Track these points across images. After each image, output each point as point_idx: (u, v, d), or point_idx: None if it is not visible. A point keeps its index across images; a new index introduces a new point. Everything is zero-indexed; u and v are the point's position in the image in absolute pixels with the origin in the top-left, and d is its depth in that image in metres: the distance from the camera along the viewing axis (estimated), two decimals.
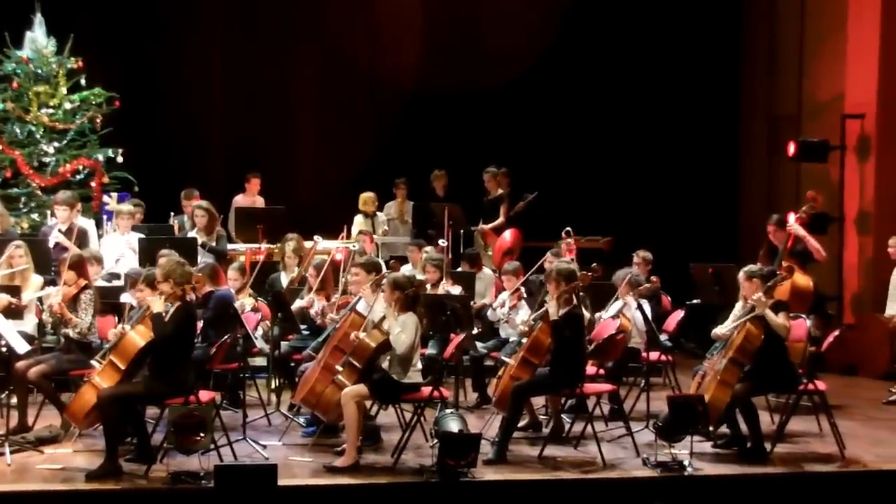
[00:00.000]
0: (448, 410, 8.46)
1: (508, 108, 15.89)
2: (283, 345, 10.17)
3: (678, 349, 11.13)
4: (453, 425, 8.10)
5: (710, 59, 15.99)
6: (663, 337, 10.42)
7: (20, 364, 8.82)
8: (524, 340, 9.11)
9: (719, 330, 8.91)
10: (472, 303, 10.60)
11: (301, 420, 9.40)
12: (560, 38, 16.02)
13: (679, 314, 10.89)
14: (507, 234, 13.84)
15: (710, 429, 8.53)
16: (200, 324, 9.04)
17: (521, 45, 15.77)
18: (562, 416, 9.26)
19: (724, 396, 8.51)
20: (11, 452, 8.17)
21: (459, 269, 11.67)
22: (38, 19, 13.78)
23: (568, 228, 12.12)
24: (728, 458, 8.64)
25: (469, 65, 15.90)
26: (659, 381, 10.86)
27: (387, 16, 16.41)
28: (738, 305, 9.01)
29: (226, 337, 8.77)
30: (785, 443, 9.02)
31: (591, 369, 9.19)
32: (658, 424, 8.35)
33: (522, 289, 10.59)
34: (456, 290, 10.54)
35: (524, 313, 10.11)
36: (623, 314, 9.85)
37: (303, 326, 10.41)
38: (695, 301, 11.11)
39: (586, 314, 9.28)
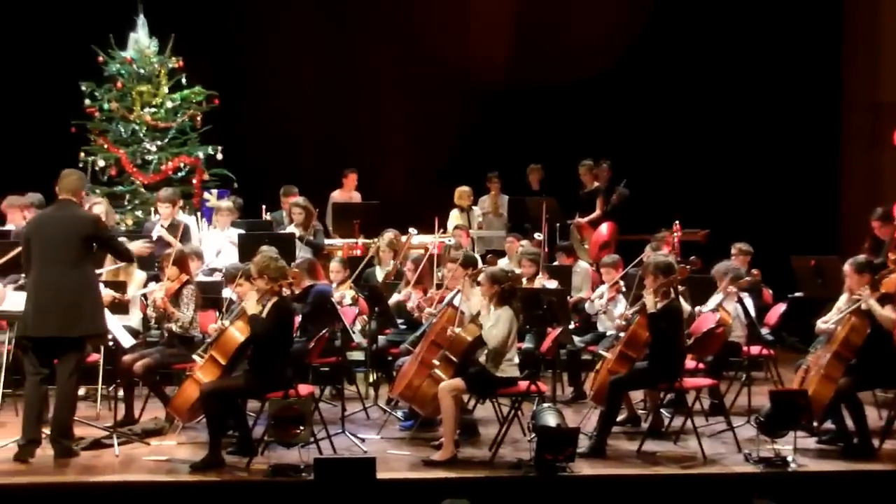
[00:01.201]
0: (545, 405, 8.43)
1: (604, 100, 15.77)
2: (381, 339, 10.24)
3: (780, 343, 10.96)
4: (551, 419, 8.07)
5: (809, 46, 15.66)
6: (765, 331, 10.28)
7: (126, 358, 9.01)
8: (622, 334, 9.05)
9: (823, 323, 8.75)
10: (568, 297, 10.56)
11: (399, 414, 9.44)
12: (654, 27, 15.85)
13: (781, 307, 10.73)
14: (604, 228, 13.75)
15: (814, 424, 8.38)
16: (299, 318, 9.13)
17: (613, 34, 15.63)
18: (661, 410, 9.17)
19: (827, 391, 8.36)
20: (119, 444, 8.34)
21: (555, 262, 11.64)
22: (141, 20, 14.06)
23: (675, 222, 11.99)
24: (833, 455, 8.47)
25: (560, 56, 15.78)
26: (760, 376, 10.69)
27: (476, 10, 16.40)
28: (843, 298, 8.81)
29: (324, 331, 8.84)
30: (893, 439, 8.81)
31: (690, 363, 9.08)
32: (760, 419, 8.23)
33: (621, 282, 10.51)
34: (552, 284, 10.50)
35: (622, 307, 10.04)
36: (723, 308, 9.72)
37: (399, 321, 10.46)
38: (797, 294, 10.92)
39: (685, 307, 9.18)
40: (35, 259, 8.07)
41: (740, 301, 9.54)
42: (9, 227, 10.87)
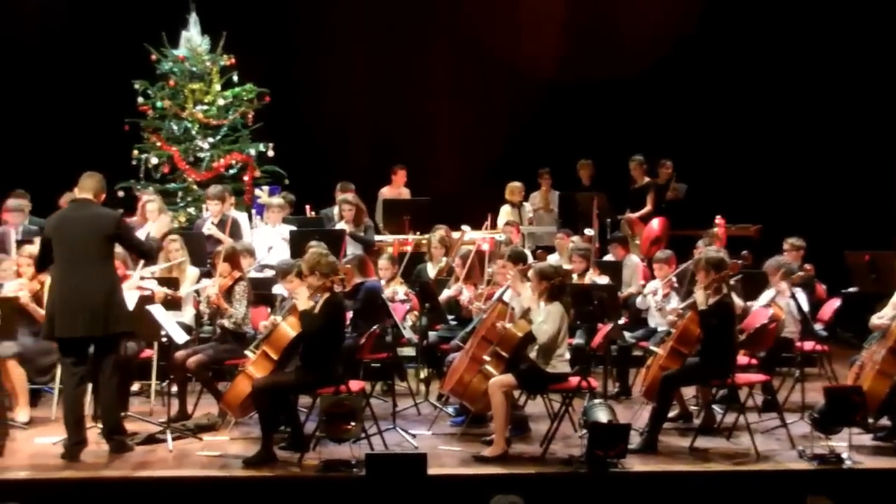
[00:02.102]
0: (596, 400, 8.41)
1: (655, 95, 15.68)
2: (431, 335, 10.24)
3: (834, 339, 10.87)
4: (602, 415, 8.05)
5: (864, 36, 15.46)
6: (818, 326, 10.19)
7: (179, 354, 9.08)
8: (673, 330, 9.00)
9: (877, 319, 8.65)
10: (618, 292, 10.51)
11: (450, 410, 9.45)
12: (705, 20, 15.72)
13: (835, 303, 10.63)
14: (655, 223, 13.68)
15: (869, 420, 8.29)
16: (350, 314, 9.17)
17: (664, 28, 15.53)
18: (713, 406, 9.12)
19: (882, 387, 8.28)
20: (172, 439, 8.42)
21: (608, 256, 11.61)
22: (193, 18, 14.18)
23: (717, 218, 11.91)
24: (888, 451, 8.39)
25: (610, 52, 15.71)
26: (814, 372, 10.59)
27: (526, 5, 16.36)
28: None
29: (374, 327, 8.88)
30: None
31: (742, 359, 9.02)
32: (814, 416, 8.15)
33: (674, 278, 10.45)
34: (603, 280, 10.47)
35: (674, 302, 9.98)
36: (776, 303, 9.63)
37: (450, 317, 10.46)
38: (851, 289, 10.81)
39: (738, 303, 9.11)
40: (57, 259, 8.09)
41: (793, 296, 9.45)
42: None
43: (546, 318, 8.23)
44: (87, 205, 8.18)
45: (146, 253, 8.83)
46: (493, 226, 12.92)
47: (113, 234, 8.15)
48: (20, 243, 10.47)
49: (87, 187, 8.20)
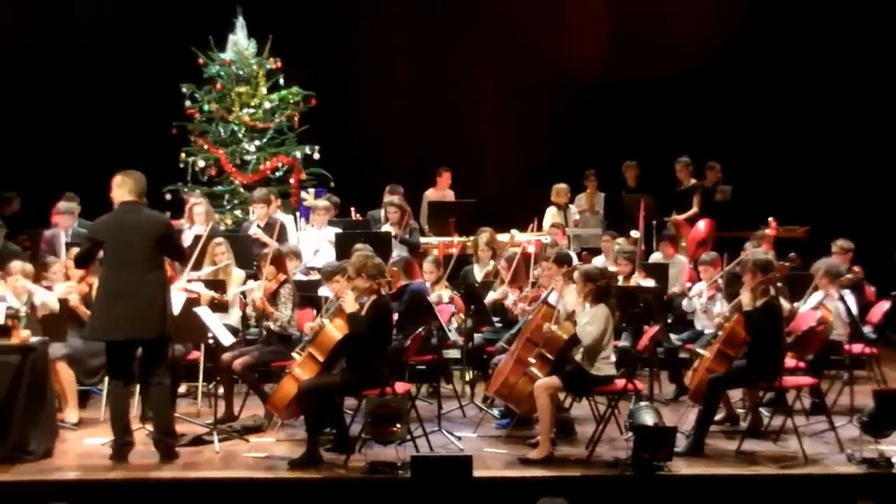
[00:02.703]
0: (642, 403, 8.38)
1: (701, 95, 15.60)
2: (477, 337, 10.24)
3: (883, 341, 10.76)
4: (648, 418, 8.02)
5: None
6: (867, 329, 10.10)
7: (226, 356, 9.13)
8: (719, 332, 8.95)
9: None
10: (664, 294, 10.47)
11: (495, 412, 9.45)
12: (752, 19, 15.63)
13: (884, 305, 10.52)
14: (701, 225, 13.60)
15: None
16: (395, 316, 9.18)
17: (710, 27, 15.44)
18: (760, 409, 9.06)
19: None
20: (219, 441, 8.47)
21: (656, 255, 11.56)
22: (240, 22, 14.28)
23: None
24: None
25: (656, 51, 15.66)
26: (863, 375, 10.47)
27: (571, 6, 16.33)
28: None
29: (420, 329, 8.88)
30: None
31: (790, 362, 8.94)
32: (863, 419, 8.08)
33: (720, 280, 10.39)
34: (649, 282, 10.42)
35: (720, 305, 9.92)
36: (824, 305, 9.56)
37: (495, 319, 10.46)
38: None
39: (785, 305, 9.04)
40: (108, 261, 8.08)
41: (842, 299, 9.37)
42: None
43: (591, 320, 8.21)
44: (137, 207, 8.18)
45: (184, 257, 8.88)
46: (539, 228, 12.91)
47: (163, 236, 8.17)
48: (69, 246, 10.58)
49: (132, 189, 8.17)
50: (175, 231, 8.63)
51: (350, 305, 8.13)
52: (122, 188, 8.18)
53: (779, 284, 8.78)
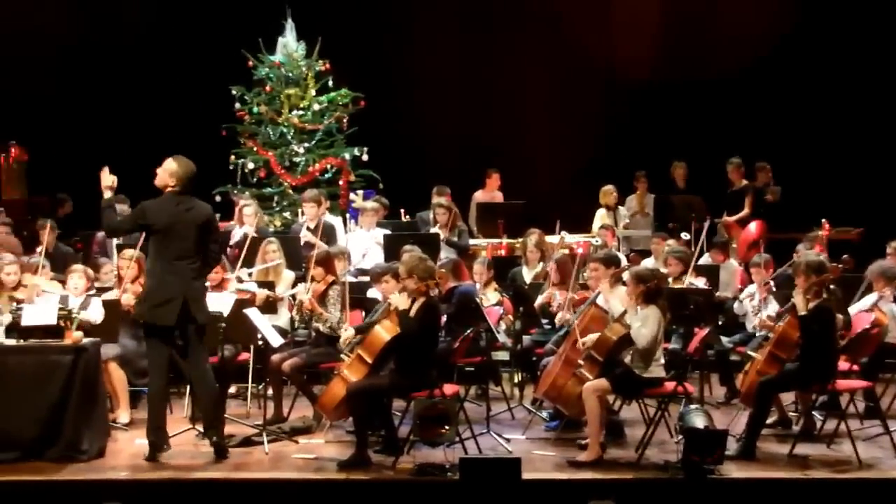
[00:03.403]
0: (693, 406, 8.30)
1: (752, 95, 15.48)
2: (525, 339, 10.21)
3: None
4: (698, 421, 7.94)
5: None
6: None
7: (275, 357, 9.17)
8: (770, 335, 8.86)
9: None
10: (715, 296, 10.38)
11: (544, 414, 9.42)
12: (803, 18, 15.48)
13: None
14: (753, 226, 13.49)
15: None
16: (444, 318, 9.17)
17: (761, 26, 15.30)
18: (813, 413, 8.96)
19: None
20: (268, 442, 8.50)
21: (706, 260, 11.46)
22: (289, 25, 14.35)
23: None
24: None
25: (707, 50, 15.55)
26: None
27: (620, 5, 16.25)
28: None
29: (468, 331, 8.87)
30: None
31: (843, 365, 8.83)
32: None
33: (772, 282, 10.28)
34: (700, 282, 10.34)
35: (773, 307, 9.82)
36: (878, 308, 9.43)
37: (544, 320, 10.42)
38: None
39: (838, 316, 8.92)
40: (156, 249, 8.08)
41: None
42: None
43: (644, 322, 8.15)
44: (185, 196, 8.19)
45: (219, 255, 8.88)
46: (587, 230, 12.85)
47: (205, 224, 8.17)
48: (120, 247, 10.66)
49: (178, 175, 8.18)
50: (217, 223, 8.61)
51: (402, 304, 8.13)
52: (171, 174, 8.20)
53: (831, 286, 8.67)
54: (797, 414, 9.13)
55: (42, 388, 8.08)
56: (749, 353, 9.24)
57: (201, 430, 8.40)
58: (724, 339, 10.31)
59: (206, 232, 8.18)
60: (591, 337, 8.42)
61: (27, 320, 8.26)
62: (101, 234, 11.92)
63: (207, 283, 8.60)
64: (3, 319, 8.65)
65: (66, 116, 15.62)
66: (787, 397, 9.23)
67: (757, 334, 9.98)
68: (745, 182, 14.03)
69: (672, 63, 15.60)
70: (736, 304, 10.52)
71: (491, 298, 10.16)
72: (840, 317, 8.96)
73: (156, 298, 8.05)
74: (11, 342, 8.30)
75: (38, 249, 11.39)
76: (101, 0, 16.04)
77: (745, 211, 13.84)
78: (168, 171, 8.23)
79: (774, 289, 10.25)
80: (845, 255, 10.62)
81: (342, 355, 8.58)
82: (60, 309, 8.39)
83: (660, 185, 14.50)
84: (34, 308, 8.47)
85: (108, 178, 8.31)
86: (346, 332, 8.82)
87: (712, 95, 15.43)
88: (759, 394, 8.36)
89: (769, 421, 8.81)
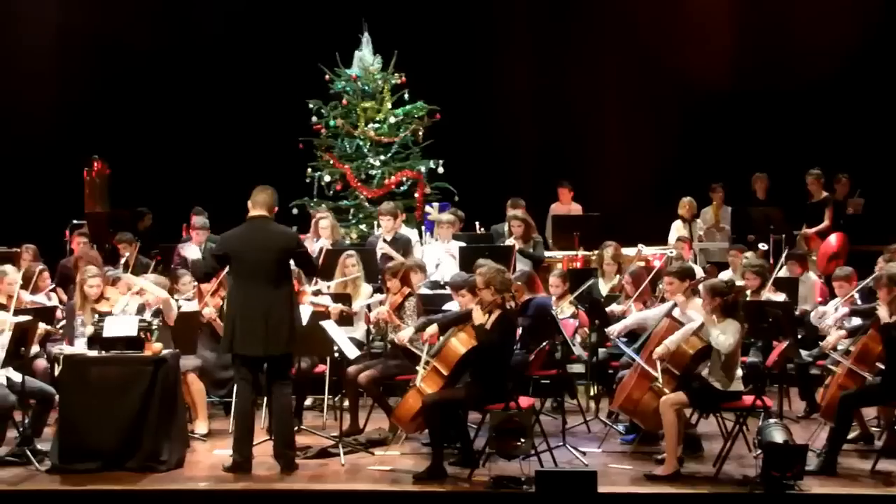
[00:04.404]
0: (772, 420, 8.20)
1: (833, 105, 15.26)
2: (601, 352, 10.16)
3: None
4: (778, 435, 7.83)
5: None
6: None
7: (351, 369, 9.22)
8: (851, 348, 8.73)
9: None
10: (794, 309, 10.24)
11: (620, 427, 9.36)
12: (886, 25, 15.24)
13: None
14: (833, 238, 13.29)
15: None
16: (519, 331, 9.15)
17: (842, 34, 15.10)
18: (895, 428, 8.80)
19: None
20: (345, 453, 8.54)
21: (783, 272, 11.31)
22: (366, 38, 14.47)
23: None
24: None
25: (786, 59, 15.39)
26: None
27: (696, 14, 16.13)
28: None
29: (544, 343, 8.84)
30: None
31: None
32: None
33: (856, 294, 10.11)
34: (779, 297, 10.20)
35: (856, 321, 9.65)
36: None
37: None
38: None
39: None
40: (238, 276, 8.17)
41: None
42: None
43: (724, 330, 8.05)
44: (266, 222, 8.28)
45: (314, 271, 8.95)
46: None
47: (292, 250, 8.26)
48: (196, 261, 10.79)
49: (262, 202, 8.26)
50: (304, 246, 8.68)
51: (479, 316, 8.13)
52: (253, 202, 8.28)
53: None
54: (879, 429, 8.97)
55: (123, 399, 8.20)
56: (830, 366, 9.11)
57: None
58: (803, 352, 10.15)
59: (292, 255, 8.22)
60: (671, 340, 8.32)
61: (109, 332, 8.40)
62: (182, 246, 12.10)
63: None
64: (85, 331, 8.82)
65: (147, 131, 15.88)
66: (870, 412, 9.07)
67: (838, 348, 9.82)
68: (824, 194, 13.85)
69: (750, 73, 15.47)
70: (815, 317, 10.34)
71: (566, 311, 10.12)
72: None
73: (237, 325, 8.12)
74: (93, 353, 8.44)
75: (121, 261, 11.61)
76: (181, 15, 16.32)
77: (826, 223, 13.65)
78: (250, 199, 8.32)
79: (859, 302, 10.07)
80: None
81: (418, 367, 8.60)
82: (141, 321, 8.51)
83: (738, 197, 14.35)
84: (116, 320, 8.60)
85: None
86: (404, 332, 8.83)
87: (790, 106, 15.25)
88: (840, 408, 8.24)
89: (850, 436, 8.68)
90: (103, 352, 8.38)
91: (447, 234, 11.99)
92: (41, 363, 9.52)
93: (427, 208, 13.84)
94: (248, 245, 8.14)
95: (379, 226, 12.13)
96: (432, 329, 8.49)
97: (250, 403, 8.29)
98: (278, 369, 8.26)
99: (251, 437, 8.25)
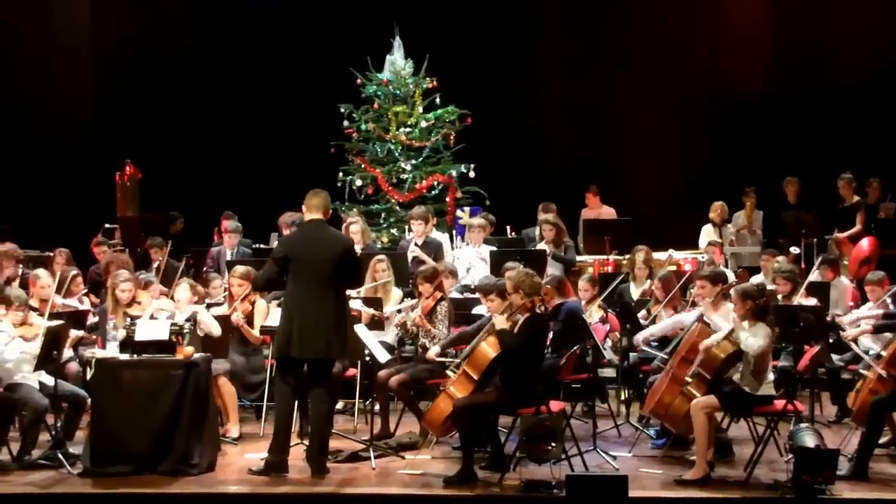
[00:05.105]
0: (803, 424, 8.17)
1: (866, 108, 15.16)
2: (632, 356, 10.15)
3: None
4: (809, 440, 7.81)
5: None
6: None
7: (382, 373, 9.24)
8: (883, 353, 8.68)
9: None
10: (825, 313, 10.19)
11: (651, 431, 9.34)
12: None
13: None
14: (864, 243, 13.20)
15: None
16: (550, 335, 9.15)
17: (873, 41, 15.02)
18: None
19: None
20: (376, 457, 8.57)
21: (815, 276, 11.26)
22: (397, 43, 14.51)
23: None
24: None
25: (819, 63, 15.31)
26: None
27: (728, 18, 16.08)
28: None
29: (574, 348, 8.84)
30: None
31: None
32: None
33: (888, 299, 10.05)
34: (811, 301, 10.16)
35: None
36: None
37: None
38: None
39: None
40: (295, 279, 8.18)
41: None
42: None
43: (754, 333, 8.03)
44: (323, 225, 8.32)
45: (359, 281, 8.96)
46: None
47: (349, 255, 8.29)
48: (230, 264, 10.84)
49: (317, 206, 8.29)
50: (355, 252, 8.68)
51: (501, 322, 8.14)
52: (308, 205, 8.33)
53: None
54: None
55: (155, 403, 8.25)
56: (861, 371, 9.06)
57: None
58: (835, 357, 10.09)
59: (341, 262, 8.19)
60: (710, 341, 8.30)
61: (140, 335, 8.46)
62: (214, 250, 12.16)
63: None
64: (117, 335, 8.89)
65: (178, 135, 15.98)
66: None
67: (870, 352, 9.77)
68: (856, 198, 13.76)
69: (782, 76, 15.40)
70: (845, 321, 10.28)
71: (594, 315, 10.12)
72: None
73: (293, 329, 8.13)
74: (125, 357, 8.50)
75: (154, 265, 11.68)
76: (213, 19, 16.42)
77: (857, 227, 13.57)
78: (305, 202, 8.37)
79: (891, 306, 10.01)
80: None
81: (448, 371, 8.61)
82: (172, 325, 8.56)
83: (770, 201, 14.29)
84: (147, 324, 8.65)
85: None
86: (432, 350, 8.88)
87: (822, 109, 15.17)
88: (871, 413, 8.20)
89: (882, 441, 8.63)
90: (135, 355, 8.44)
91: (478, 239, 12.00)
92: (73, 367, 9.60)
93: (458, 212, 13.85)
94: (308, 248, 8.18)
95: (410, 230, 12.17)
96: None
97: (291, 407, 8.33)
98: (321, 374, 8.27)
99: (288, 438, 8.29)
